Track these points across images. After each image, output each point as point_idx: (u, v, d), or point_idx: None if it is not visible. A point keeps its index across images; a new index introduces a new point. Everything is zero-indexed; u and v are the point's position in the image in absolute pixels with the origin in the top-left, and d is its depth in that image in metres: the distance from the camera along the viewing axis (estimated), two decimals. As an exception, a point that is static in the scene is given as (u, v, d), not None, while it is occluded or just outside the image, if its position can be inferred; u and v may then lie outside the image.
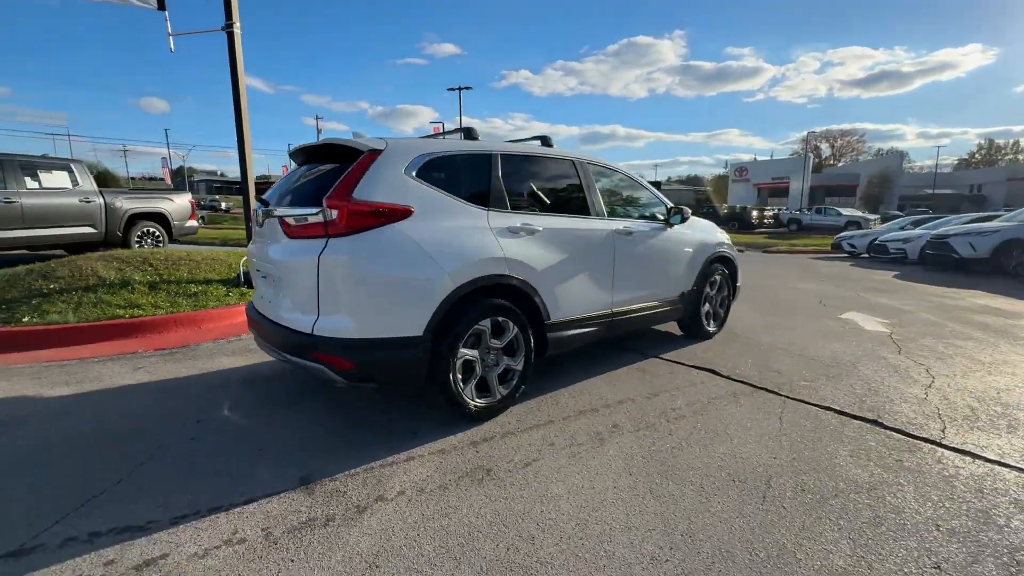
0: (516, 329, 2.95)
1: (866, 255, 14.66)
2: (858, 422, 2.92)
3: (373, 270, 2.43)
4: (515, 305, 2.93)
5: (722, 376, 3.67)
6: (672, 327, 4.89)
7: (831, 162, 65.57)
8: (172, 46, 5.78)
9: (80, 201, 8.18)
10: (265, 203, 2.92)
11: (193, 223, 10.23)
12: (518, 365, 3.01)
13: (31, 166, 7.86)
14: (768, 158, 55.64)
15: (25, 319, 4.43)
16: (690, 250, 4.30)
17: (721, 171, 72.03)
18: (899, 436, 2.74)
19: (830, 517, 2.01)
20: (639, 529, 1.94)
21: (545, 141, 3.60)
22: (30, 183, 7.74)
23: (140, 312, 4.72)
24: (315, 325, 2.45)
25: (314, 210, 2.50)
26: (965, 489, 2.21)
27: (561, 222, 3.27)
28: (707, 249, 4.47)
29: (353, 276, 2.41)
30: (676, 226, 4.16)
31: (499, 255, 2.81)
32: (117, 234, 8.72)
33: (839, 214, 27.24)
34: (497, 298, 2.86)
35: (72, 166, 8.37)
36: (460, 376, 2.73)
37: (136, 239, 9.06)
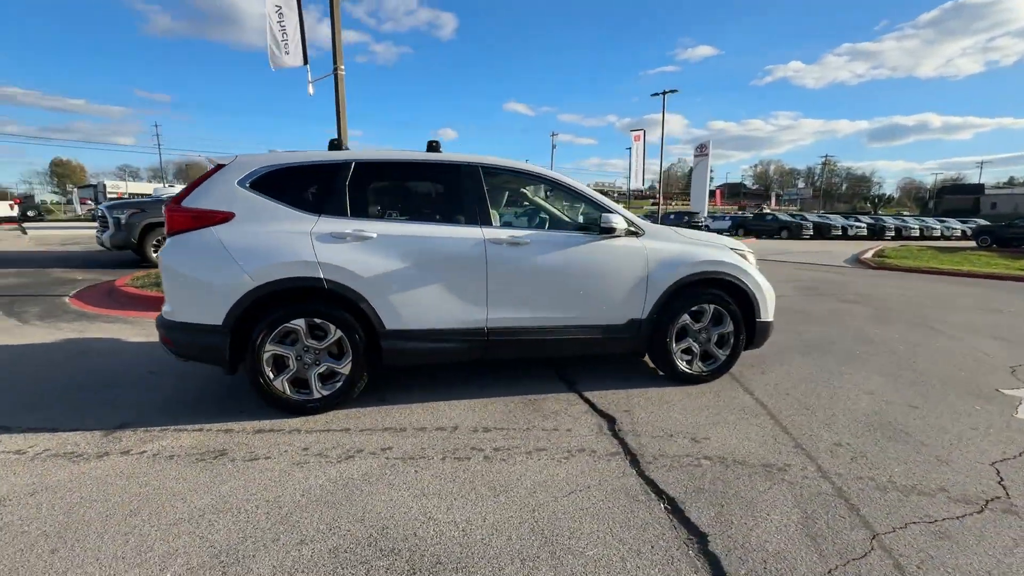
0: (339, 333, 3.02)
1: None
2: None
3: (182, 265, 2.91)
4: (336, 309, 3.00)
5: (615, 437, 2.91)
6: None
7: None
8: (312, 90, 7.46)
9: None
10: None
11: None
12: (344, 368, 3.06)
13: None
14: None
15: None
16: (639, 268, 3.45)
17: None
18: None
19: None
20: (283, 540, 1.90)
21: (433, 147, 3.47)
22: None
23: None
24: (163, 309, 3.07)
25: (170, 216, 3.12)
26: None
27: (407, 229, 3.14)
28: (678, 268, 3.50)
29: (169, 269, 2.94)
30: (621, 239, 3.43)
31: (311, 259, 2.93)
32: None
33: None
34: (314, 300, 2.99)
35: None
36: (269, 369, 2.97)
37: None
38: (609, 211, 3.44)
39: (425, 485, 2.30)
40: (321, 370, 3.06)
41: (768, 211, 42.05)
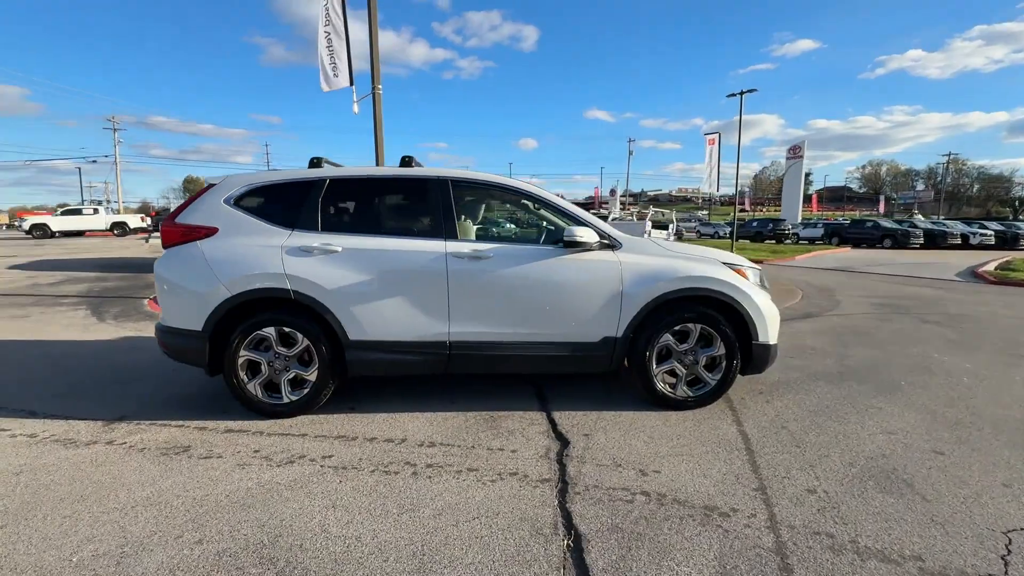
0: (307, 342, 3.17)
1: None
2: None
3: (171, 275, 3.22)
4: (303, 319, 3.15)
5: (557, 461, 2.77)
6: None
7: None
8: (357, 109, 7.93)
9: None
10: None
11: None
12: (311, 376, 3.20)
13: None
14: None
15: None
16: (612, 283, 3.25)
17: None
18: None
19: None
20: (186, 536, 2.07)
21: (406, 162, 3.52)
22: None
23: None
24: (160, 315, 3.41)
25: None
26: None
27: (372, 243, 3.22)
28: (656, 284, 3.25)
29: (161, 278, 3.25)
30: (594, 252, 3.26)
31: (279, 271, 3.11)
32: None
33: None
34: (283, 310, 3.17)
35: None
36: (244, 373, 3.18)
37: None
38: (580, 223, 3.30)
39: (340, 497, 2.33)
40: (291, 376, 3.22)
41: (870, 217, 37.84)
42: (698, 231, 35.49)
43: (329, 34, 7.80)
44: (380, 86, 7.29)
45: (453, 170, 3.46)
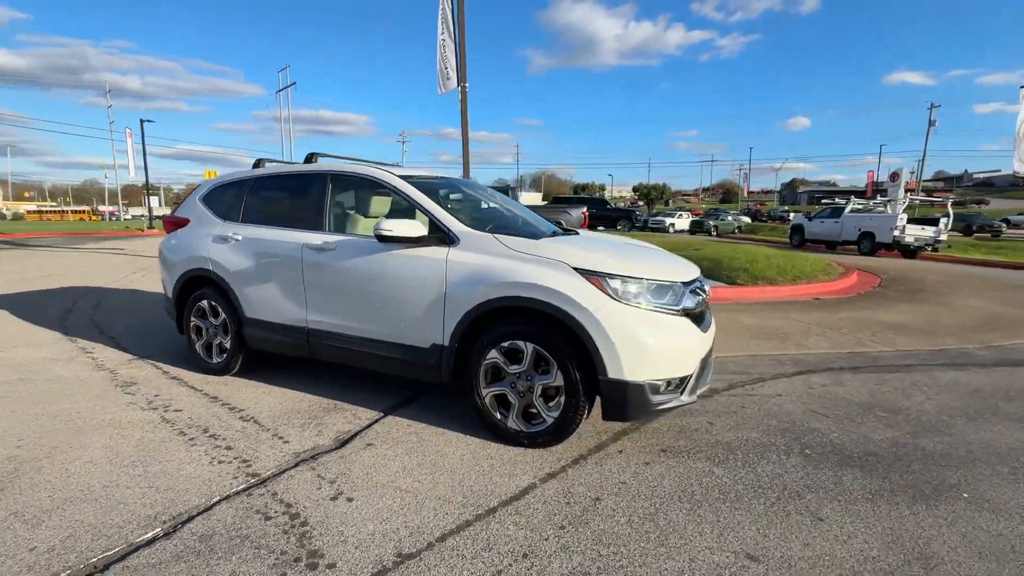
0: (224, 315, 3.80)
1: None
2: None
3: (162, 255, 4.22)
4: (218, 296, 3.78)
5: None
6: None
7: None
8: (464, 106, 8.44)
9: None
10: None
11: (583, 231, 12.94)
12: (227, 343, 3.82)
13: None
14: None
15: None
16: (436, 283, 2.86)
17: None
18: None
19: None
20: None
21: (309, 159, 3.73)
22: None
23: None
24: (167, 285, 4.53)
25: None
26: None
27: (258, 232, 3.60)
28: (478, 288, 2.73)
29: (160, 257, 4.30)
30: (426, 247, 2.95)
31: (205, 255, 3.80)
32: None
33: None
34: (210, 287, 3.85)
35: (508, 191, 12.82)
36: (192, 334, 4.01)
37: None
38: (425, 213, 3.03)
39: (121, 444, 2.81)
40: (217, 341, 3.90)
41: None
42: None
43: (444, 41, 8.49)
44: (467, 83, 7.62)
45: (339, 165, 3.57)
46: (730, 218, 32.46)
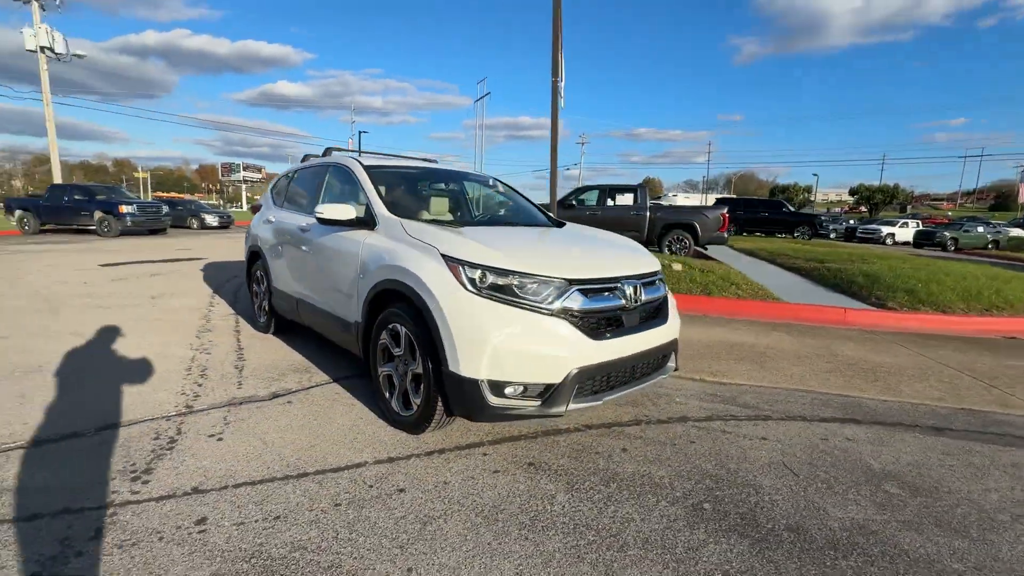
0: (265, 283, 4.62)
1: None
2: None
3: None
4: (262, 267, 4.60)
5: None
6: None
7: None
8: (563, 103, 8.35)
9: (633, 214, 11.90)
10: None
11: (722, 233, 11.55)
12: (267, 306, 4.63)
13: (613, 190, 12.34)
14: None
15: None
16: (352, 264, 3.04)
17: None
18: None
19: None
20: None
21: (326, 152, 4.20)
22: (609, 202, 12.26)
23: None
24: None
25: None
26: None
27: (280, 215, 4.25)
28: (372, 271, 2.83)
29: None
30: (355, 230, 3.17)
31: (256, 232, 4.65)
32: (653, 238, 11.81)
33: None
34: (258, 260, 4.70)
35: (637, 190, 12.13)
36: (253, 299, 4.94)
37: (667, 243, 11.77)
38: (364, 202, 3.26)
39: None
40: (261, 304, 4.74)
41: None
42: None
43: (553, 38, 8.49)
44: (554, 78, 7.49)
45: (339, 157, 3.97)
46: (981, 229, 24.48)
